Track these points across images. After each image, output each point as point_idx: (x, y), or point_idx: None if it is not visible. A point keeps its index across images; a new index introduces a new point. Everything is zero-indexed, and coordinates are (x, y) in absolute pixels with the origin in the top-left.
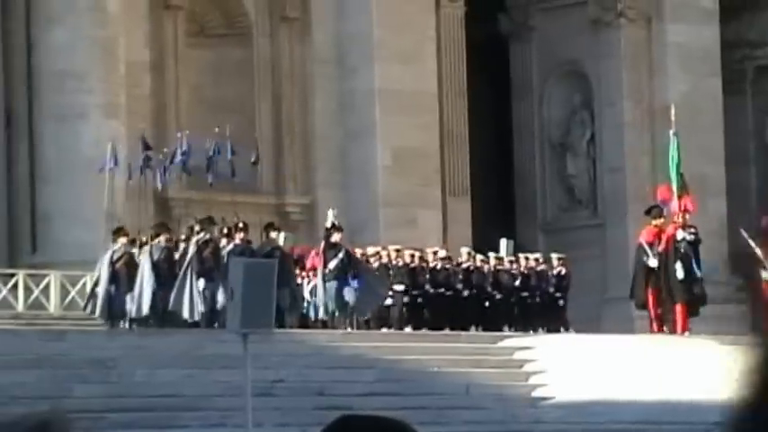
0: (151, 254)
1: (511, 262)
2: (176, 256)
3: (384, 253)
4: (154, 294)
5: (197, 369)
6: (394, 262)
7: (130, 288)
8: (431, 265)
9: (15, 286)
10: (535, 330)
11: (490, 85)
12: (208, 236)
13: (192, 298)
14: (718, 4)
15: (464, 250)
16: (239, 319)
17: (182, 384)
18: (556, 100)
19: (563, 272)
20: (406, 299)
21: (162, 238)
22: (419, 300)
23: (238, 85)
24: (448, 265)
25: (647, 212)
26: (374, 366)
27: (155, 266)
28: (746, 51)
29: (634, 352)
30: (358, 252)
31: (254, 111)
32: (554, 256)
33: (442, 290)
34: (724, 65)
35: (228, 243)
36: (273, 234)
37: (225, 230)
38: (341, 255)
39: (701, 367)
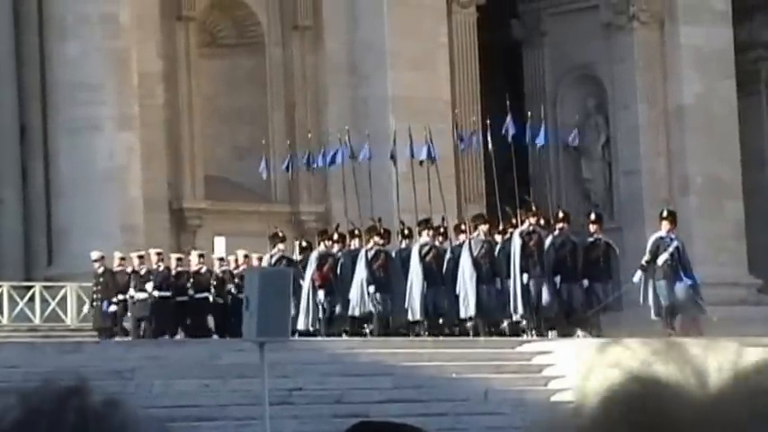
0: (470, 248)
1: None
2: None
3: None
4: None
5: (214, 379)
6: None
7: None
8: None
9: (32, 299)
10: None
11: (503, 91)
12: (531, 228)
13: (515, 294)
14: (730, 5)
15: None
16: (256, 328)
17: (199, 394)
18: (569, 104)
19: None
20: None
21: (483, 229)
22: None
23: (251, 95)
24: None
25: None
26: (392, 373)
27: (475, 262)
28: (760, 52)
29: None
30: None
31: (267, 120)
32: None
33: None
34: (738, 67)
35: (547, 235)
36: (594, 227)
37: (540, 221)
38: (671, 249)
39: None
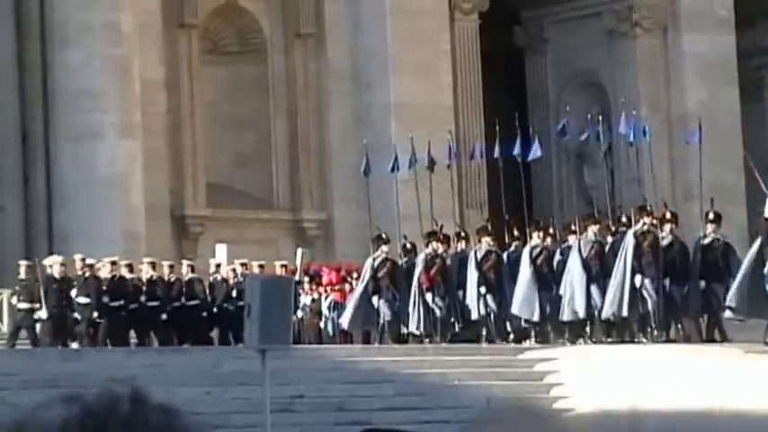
0: (580, 249)
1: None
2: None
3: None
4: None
5: (215, 386)
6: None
7: (394, 297)
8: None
9: None
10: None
11: (506, 98)
12: (645, 227)
13: (622, 294)
14: (733, 12)
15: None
16: (257, 336)
17: (200, 402)
18: (572, 111)
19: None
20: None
21: (593, 229)
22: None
23: (254, 102)
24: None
25: None
26: (394, 380)
27: (585, 263)
28: (763, 59)
29: (657, 362)
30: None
31: (269, 127)
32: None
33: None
34: (741, 74)
35: (666, 235)
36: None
37: (654, 221)
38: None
39: (726, 375)
